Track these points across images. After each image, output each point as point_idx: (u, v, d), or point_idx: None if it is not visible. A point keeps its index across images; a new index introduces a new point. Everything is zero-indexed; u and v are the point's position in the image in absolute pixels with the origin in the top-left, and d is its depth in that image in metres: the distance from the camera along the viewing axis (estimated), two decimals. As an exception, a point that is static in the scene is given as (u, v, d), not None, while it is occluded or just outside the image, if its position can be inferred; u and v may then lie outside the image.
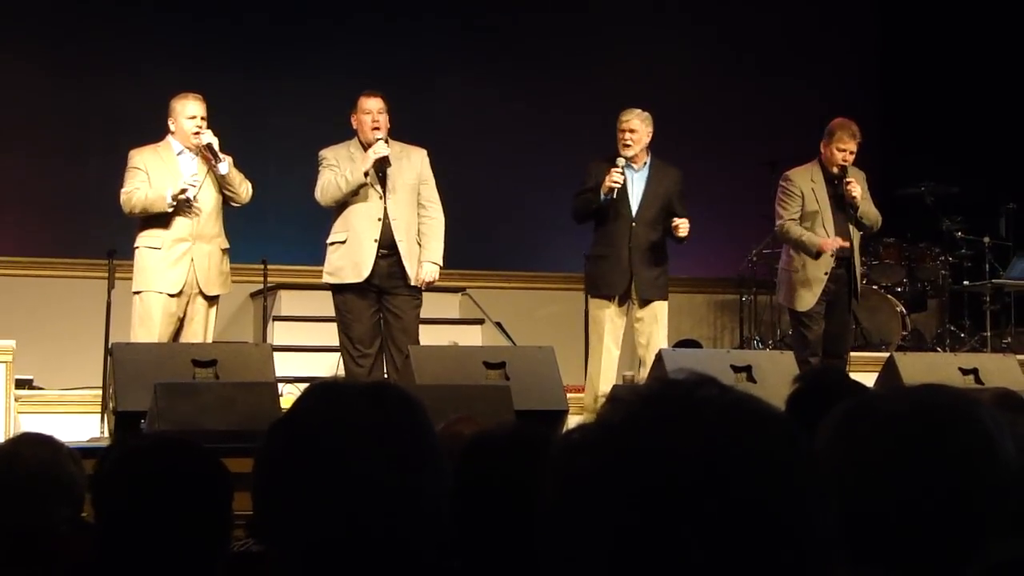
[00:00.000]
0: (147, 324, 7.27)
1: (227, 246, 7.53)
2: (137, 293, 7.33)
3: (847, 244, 7.83)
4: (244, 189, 7.45)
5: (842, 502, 1.15)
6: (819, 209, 7.86)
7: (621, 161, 7.71)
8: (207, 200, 7.39)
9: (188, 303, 7.34)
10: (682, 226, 7.65)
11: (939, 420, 1.52)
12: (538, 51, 10.94)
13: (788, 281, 7.98)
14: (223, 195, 7.43)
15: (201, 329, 7.37)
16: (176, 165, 7.38)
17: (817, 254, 7.78)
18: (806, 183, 7.89)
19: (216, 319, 7.53)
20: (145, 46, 9.85)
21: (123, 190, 7.35)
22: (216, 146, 7.31)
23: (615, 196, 7.69)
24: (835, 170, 7.83)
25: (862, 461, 1.51)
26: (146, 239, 7.32)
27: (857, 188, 7.79)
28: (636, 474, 1.04)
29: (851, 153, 7.83)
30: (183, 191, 7.22)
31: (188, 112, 7.38)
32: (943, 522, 1.47)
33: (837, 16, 11.80)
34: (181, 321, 7.35)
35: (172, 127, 7.44)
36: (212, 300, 7.44)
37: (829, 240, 7.78)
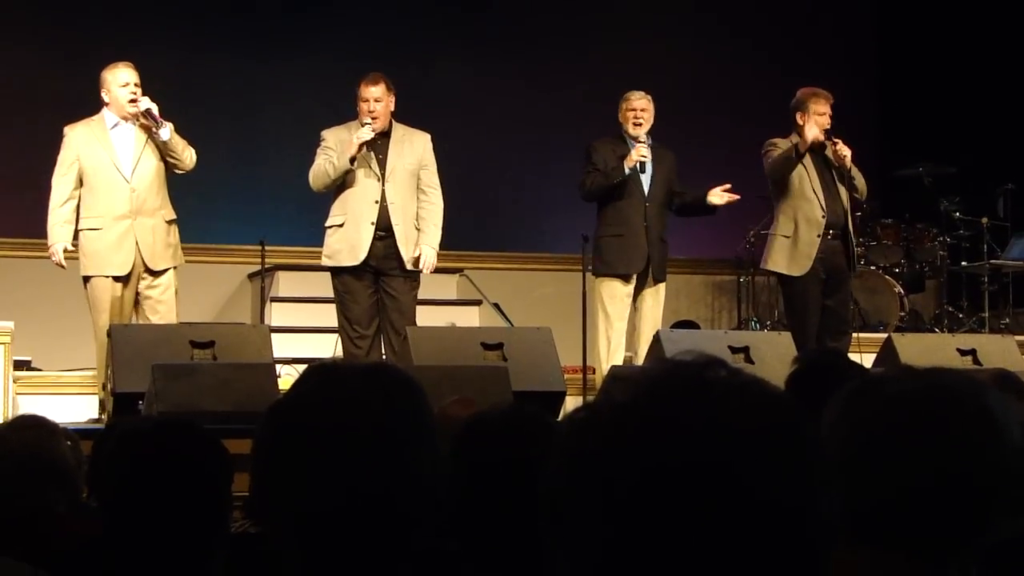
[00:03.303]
0: (98, 309, 7.11)
1: (173, 217, 7.29)
2: (86, 278, 7.17)
3: (822, 137, 7.78)
4: (188, 155, 7.22)
5: (846, 482, 1.15)
6: (806, 176, 7.83)
7: (641, 134, 7.80)
8: (146, 172, 7.16)
9: (138, 283, 7.15)
10: (717, 193, 7.74)
11: (945, 402, 1.52)
12: (538, 32, 10.92)
13: (779, 246, 7.88)
14: (166, 163, 7.21)
15: (163, 305, 7.16)
16: (108, 140, 7.17)
17: (800, 152, 7.71)
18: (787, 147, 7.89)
19: (178, 292, 7.28)
20: (137, 29, 9.79)
21: (53, 179, 7.16)
22: (156, 111, 7.09)
23: (639, 170, 7.77)
24: (821, 137, 7.79)
25: (868, 441, 1.51)
26: (86, 221, 7.15)
27: (847, 148, 7.78)
28: (643, 453, 1.04)
29: (830, 116, 7.83)
30: (56, 261, 7.08)
31: (120, 80, 7.18)
32: (946, 503, 1.47)
33: (835, -4, 11.78)
34: (135, 302, 7.18)
35: (106, 99, 7.22)
36: (162, 274, 7.19)
37: (808, 130, 7.71)
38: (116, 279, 7.12)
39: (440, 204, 7.52)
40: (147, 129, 7.17)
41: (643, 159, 7.77)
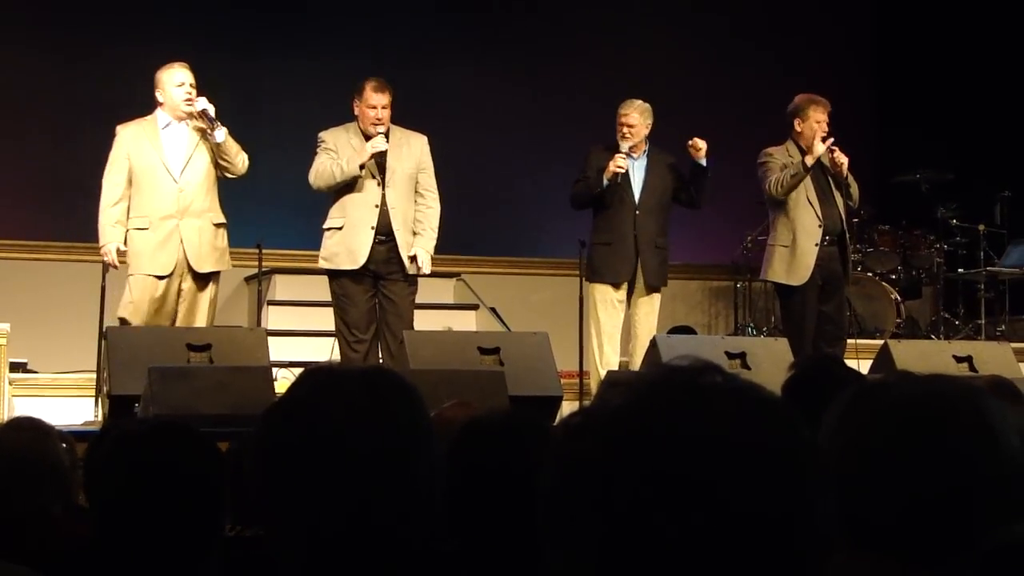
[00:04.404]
0: (134, 307, 7.10)
1: (222, 220, 7.27)
2: (130, 276, 7.17)
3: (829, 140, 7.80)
4: (240, 159, 7.18)
5: (844, 488, 1.15)
6: (802, 184, 7.84)
7: (625, 147, 7.77)
8: (196, 173, 7.13)
9: (180, 283, 7.13)
10: (700, 145, 7.72)
11: (943, 408, 1.52)
12: (537, 36, 10.92)
13: (778, 256, 7.90)
14: (217, 166, 7.18)
15: (199, 310, 7.15)
16: (159, 141, 7.13)
17: (807, 168, 7.72)
18: (784, 158, 7.90)
19: (216, 298, 7.30)
20: (138, 27, 9.79)
21: (104, 179, 7.14)
22: (212, 112, 7.06)
23: (619, 181, 7.73)
24: (823, 151, 7.84)
25: (865, 447, 1.51)
26: (134, 221, 7.13)
27: (844, 156, 7.80)
28: (638, 458, 1.04)
29: (827, 123, 7.85)
30: (110, 261, 7.06)
31: (176, 80, 7.14)
32: (943, 509, 1.47)
33: (832, 2, 11.78)
34: (176, 303, 7.17)
35: (160, 99, 7.18)
36: (207, 278, 7.18)
37: (816, 146, 7.74)
38: (159, 278, 7.09)
39: (437, 208, 7.51)
40: (201, 130, 7.14)
41: (619, 170, 7.73)
